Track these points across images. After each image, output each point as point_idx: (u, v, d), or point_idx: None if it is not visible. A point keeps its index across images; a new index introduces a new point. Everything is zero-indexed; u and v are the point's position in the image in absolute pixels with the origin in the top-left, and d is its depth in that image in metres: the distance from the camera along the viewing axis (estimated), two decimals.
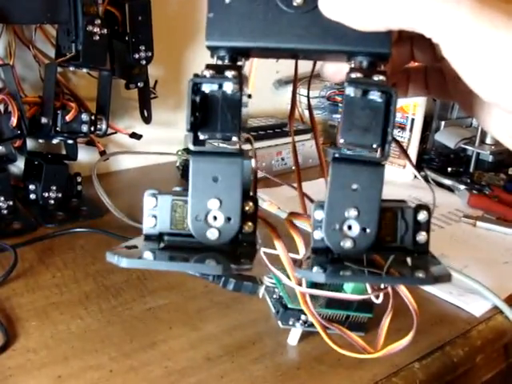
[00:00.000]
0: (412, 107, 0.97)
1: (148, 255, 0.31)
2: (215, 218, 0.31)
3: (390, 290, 0.39)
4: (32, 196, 0.77)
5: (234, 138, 0.31)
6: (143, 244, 0.33)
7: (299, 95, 1.07)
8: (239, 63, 0.33)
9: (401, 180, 0.98)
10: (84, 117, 0.73)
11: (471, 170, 1.05)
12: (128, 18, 0.77)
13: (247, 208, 0.32)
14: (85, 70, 0.76)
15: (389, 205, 0.32)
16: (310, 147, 1.00)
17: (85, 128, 0.73)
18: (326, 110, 1.14)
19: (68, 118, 0.72)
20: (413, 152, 0.99)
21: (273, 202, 0.77)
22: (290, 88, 1.14)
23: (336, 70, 0.35)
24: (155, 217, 0.33)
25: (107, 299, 0.58)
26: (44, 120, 0.71)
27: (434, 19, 0.27)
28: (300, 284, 0.40)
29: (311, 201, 0.39)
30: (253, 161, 0.34)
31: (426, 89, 0.40)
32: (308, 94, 0.44)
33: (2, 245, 0.65)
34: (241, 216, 0.31)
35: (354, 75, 0.30)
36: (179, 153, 0.95)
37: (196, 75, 0.31)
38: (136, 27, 0.77)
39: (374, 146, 0.30)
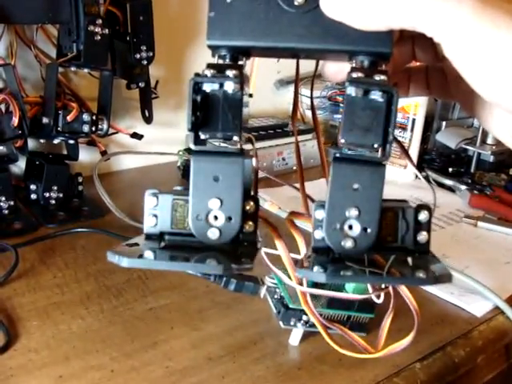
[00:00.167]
0: (413, 107, 0.97)
1: (149, 254, 0.31)
2: (216, 217, 0.31)
3: (391, 290, 0.39)
4: (33, 196, 0.77)
5: (235, 138, 0.31)
6: (144, 243, 0.33)
7: (300, 95, 1.07)
8: (240, 62, 0.33)
9: (402, 180, 0.98)
10: (85, 117, 0.73)
11: (472, 170, 1.05)
12: (129, 18, 0.77)
13: (248, 207, 0.32)
14: (86, 70, 0.76)
15: (390, 205, 0.32)
16: (312, 147, 1.00)
17: (86, 128, 0.73)
18: (327, 110, 1.14)
19: (69, 118, 0.72)
20: (414, 152, 0.99)
21: (274, 202, 0.77)
22: (290, 88, 1.14)
23: (337, 70, 0.35)
24: (156, 216, 0.33)
25: (108, 299, 0.58)
26: (45, 120, 0.71)
27: (435, 19, 0.27)
28: (301, 284, 0.40)
29: (313, 201, 0.39)
30: (254, 160, 0.34)
31: (428, 89, 0.40)
32: (311, 94, 0.44)
33: (3, 245, 0.65)
34: (242, 216, 0.31)
35: (355, 75, 0.30)
36: (180, 153, 0.95)
37: (197, 74, 0.31)
38: (137, 27, 0.77)
39: (375, 145, 0.30)
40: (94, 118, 0.74)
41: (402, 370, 0.50)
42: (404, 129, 0.99)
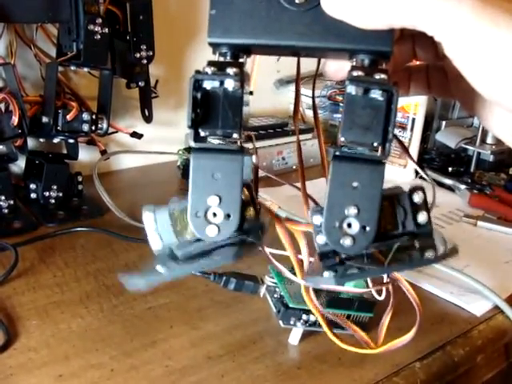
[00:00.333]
0: (413, 107, 0.97)
1: (160, 269, 0.31)
2: (215, 214, 0.31)
3: (390, 287, 0.39)
4: (33, 195, 0.77)
5: (235, 135, 0.31)
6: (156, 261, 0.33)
7: (300, 95, 1.07)
8: (241, 60, 0.33)
9: (401, 179, 0.98)
10: (85, 116, 0.73)
11: (472, 169, 1.05)
12: (129, 18, 0.77)
13: (243, 197, 0.32)
14: (86, 69, 0.76)
15: (383, 193, 0.32)
16: (312, 146, 1.00)
17: (86, 127, 0.73)
18: (326, 110, 1.14)
19: (69, 117, 0.71)
20: (413, 152, 0.99)
21: (274, 201, 0.77)
22: (290, 87, 1.14)
23: (338, 68, 0.35)
24: (159, 234, 0.33)
25: (108, 298, 0.58)
26: (45, 119, 0.71)
27: (435, 17, 0.27)
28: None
29: (313, 200, 0.39)
30: (254, 157, 0.34)
31: (428, 88, 0.40)
32: (313, 93, 0.44)
33: (2, 244, 0.65)
34: (240, 213, 0.31)
35: (355, 73, 0.30)
36: (180, 152, 0.95)
37: (197, 72, 0.31)
38: (137, 26, 0.77)
39: (375, 144, 0.30)
40: (93, 117, 0.74)
41: (402, 369, 0.50)
42: (404, 128, 0.98)
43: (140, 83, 0.82)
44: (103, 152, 0.83)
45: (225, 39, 0.32)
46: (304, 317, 0.50)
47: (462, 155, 1.08)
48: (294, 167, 1.00)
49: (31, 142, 0.79)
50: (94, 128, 0.74)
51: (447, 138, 1.10)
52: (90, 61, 0.72)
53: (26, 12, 0.68)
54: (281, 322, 0.52)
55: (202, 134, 0.31)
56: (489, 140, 1.06)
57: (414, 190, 0.33)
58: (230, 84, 0.30)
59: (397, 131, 0.97)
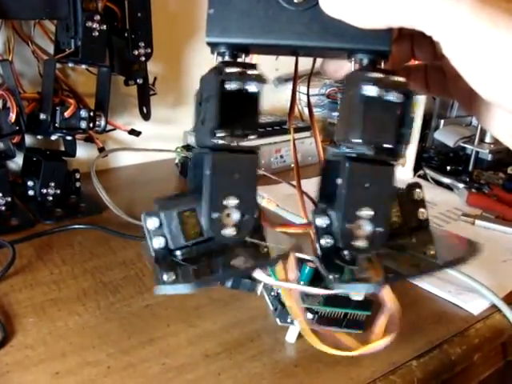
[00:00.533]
0: None
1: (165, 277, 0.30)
2: (232, 215, 0.31)
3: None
4: (30, 192, 0.77)
5: (252, 136, 0.31)
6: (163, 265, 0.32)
7: (299, 93, 1.07)
8: (239, 60, 0.33)
9: (400, 178, 0.98)
10: (83, 113, 0.72)
11: (470, 168, 1.05)
12: (127, 15, 0.77)
13: None
14: (84, 66, 0.76)
15: None
16: (310, 145, 1.00)
17: (83, 124, 0.73)
18: (325, 108, 1.14)
19: (67, 114, 0.71)
20: (412, 150, 0.99)
21: (271, 199, 0.76)
22: (289, 85, 1.14)
23: (336, 68, 0.35)
24: (163, 236, 0.33)
25: (105, 296, 0.58)
26: (43, 116, 0.71)
27: (434, 17, 0.27)
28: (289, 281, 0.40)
29: (310, 199, 0.39)
30: None
31: (426, 87, 0.40)
32: (308, 91, 0.44)
33: (0, 241, 0.65)
34: (256, 211, 0.31)
35: (373, 75, 0.30)
36: (178, 150, 0.95)
37: (217, 71, 0.30)
38: (135, 23, 0.77)
39: (389, 146, 0.30)
40: (91, 114, 0.73)
41: (399, 367, 0.50)
42: None
43: (138, 80, 0.82)
44: (101, 149, 0.82)
45: (223, 39, 0.32)
46: None
47: (460, 154, 1.08)
48: (292, 165, 1.00)
49: (29, 139, 0.79)
50: (91, 125, 0.74)
51: (446, 136, 1.10)
52: (87, 58, 0.72)
53: (24, 8, 0.68)
54: (278, 320, 0.52)
55: (220, 134, 0.31)
56: (487, 139, 1.06)
57: (412, 187, 0.33)
58: (252, 86, 0.30)
59: None
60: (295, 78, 0.41)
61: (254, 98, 0.31)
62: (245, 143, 0.33)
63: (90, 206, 0.78)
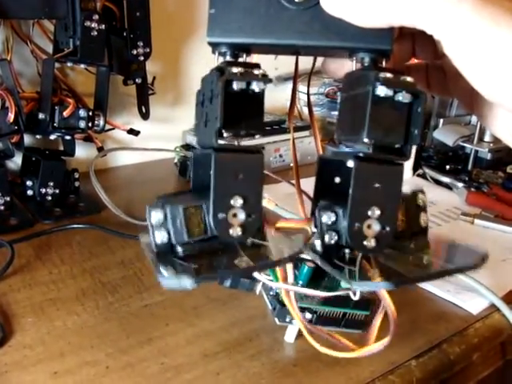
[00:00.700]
0: None
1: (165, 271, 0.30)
2: (238, 215, 0.31)
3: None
4: (29, 192, 0.77)
5: (257, 136, 0.31)
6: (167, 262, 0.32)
7: (298, 92, 1.07)
8: (240, 59, 0.33)
9: None
10: (82, 113, 0.72)
11: (469, 167, 1.05)
12: (126, 14, 0.77)
13: None
14: (82, 66, 0.76)
15: None
16: (309, 144, 1.00)
17: (82, 124, 0.73)
18: (324, 107, 1.14)
19: (65, 113, 0.71)
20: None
21: (271, 198, 0.76)
22: (288, 85, 1.14)
23: (338, 67, 0.35)
24: (167, 230, 0.32)
25: (104, 295, 0.58)
26: (41, 116, 0.71)
27: (435, 16, 0.27)
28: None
29: (309, 198, 0.39)
30: None
31: (427, 86, 0.40)
32: (308, 90, 0.44)
33: None
34: (262, 212, 0.31)
35: (383, 75, 0.30)
36: (177, 149, 0.95)
37: (220, 71, 0.30)
38: (134, 23, 0.76)
39: (397, 146, 0.30)
40: (90, 113, 0.73)
41: (398, 367, 0.50)
42: None
43: (137, 80, 0.82)
44: (100, 149, 0.82)
45: (224, 38, 0.32)
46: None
47: (459, 153, 1.08)
48: (292, 164, 1.00)
49: (28, 139, 0.79)
50: (90, 125, 0.74)
51: (445, 135, 1.09)
52: (86, 57, 0.72)
53: (23, 8, 0.68)
54: (276, 320, 0.51)
55: (225, 134, 0.31)
56: (486, 138, 1.06)
57: (417, 192, 0.33)
58: (257, 85, 0.30)
59: None
60: (295, 77, 0.41)
61: (258, 97, 0.31)
62: (244, 142, 0.33)
63: (89, 206, 0.78)
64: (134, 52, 0.77)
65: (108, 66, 0.77)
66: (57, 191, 0.77)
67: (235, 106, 0.30)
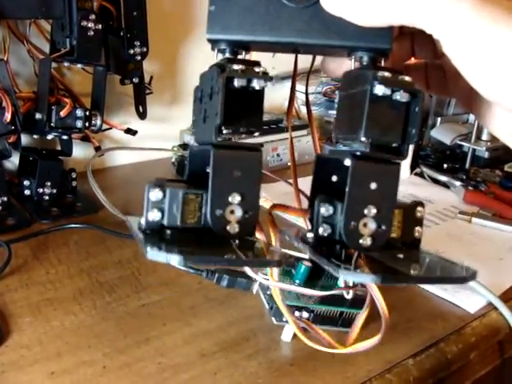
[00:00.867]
0: None
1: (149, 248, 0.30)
2: (235, 211, 0.31)
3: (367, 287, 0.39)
4: (26, 192, 0.77)
5: (257, 134, 0.31)
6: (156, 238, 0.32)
7: (295, 91, 1.07)
8: (240, 56, 0.33)
9: None
10: (79, 112, 0.72)
11: (467, 166, 1.05)
12: (123, 14, 0.76)
13: None
14: (79, 66, 0.76)
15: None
16: (306, 143, 1.00)
17: (79, 124, 0.73)
18: (321, 106, 1.14)
19: (62, 113, 0.71)
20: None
21: (268, 197, 0.76)
22: (286, 84, 1.14)
23: (337, 65, 0.35)
24: (161, 210, 0.32)
25: (101, 295, 0.57)
26: (38, 115, 0.70)
27: (434, 15, 0.27)
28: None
29: (307, 197, 0.39)
30: None
31: (426, 86, 0.40)
32: (306, 89, 0.44)
33: None
34: (258, 209, 0.31)
35: (381, 74, 0.30)
36: (175, 149, 0.95)
37: (221, 68, 0.30)
38: (131, 22, 0.76)
39: (395, 145, 0.30)
40: (87, 113, 0.73)
41: (395, 366, 0.50)
42: None
43: (134, 79, 0.82)
44: (97, 148, 0.82)
45: (224, 36, 0.32)
46: (296, 314, 0.50)
47: (457, 152, 1.08)
48: (289, 164, 1.00)
49: (25, 139, 0.79)
50: (87, 124, 0.74)
51: (442, 134, 1.09)
52: (83, 57, 0.72)
53: (19, 8, 0.68)
54: (273, 319, 0.52)
55: (225, 131, 0.31)
56: (484, 137, 1.06)
57: (417, 204, 0.33)
58: (258, 83, 0.30)
59: None
60: (294, 76, 0.41)
61: (258, 95, 0.31)
62: (242, 140, 0.33)
63: (86, 206, 0.78)
64: (131, 51, 0.77)
65: (105, 66, 0.77)
66: (54, 191, 0.77)
67: (235, 103, 0.30)
